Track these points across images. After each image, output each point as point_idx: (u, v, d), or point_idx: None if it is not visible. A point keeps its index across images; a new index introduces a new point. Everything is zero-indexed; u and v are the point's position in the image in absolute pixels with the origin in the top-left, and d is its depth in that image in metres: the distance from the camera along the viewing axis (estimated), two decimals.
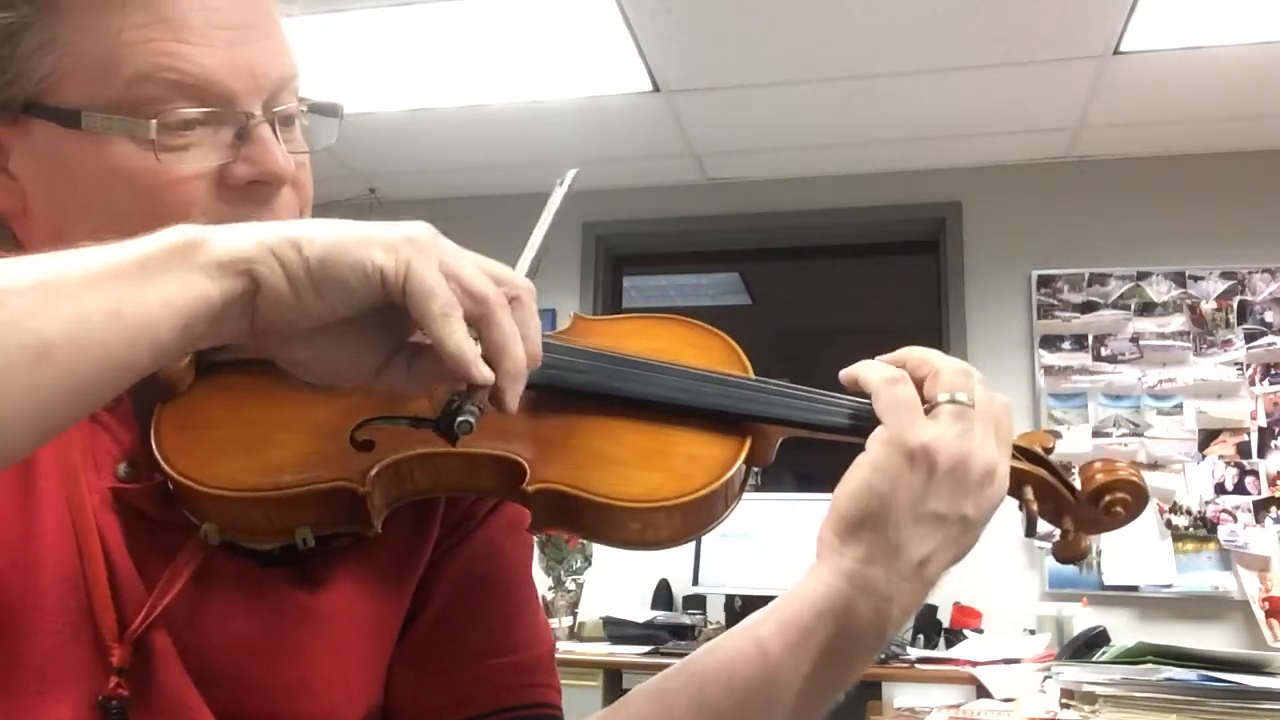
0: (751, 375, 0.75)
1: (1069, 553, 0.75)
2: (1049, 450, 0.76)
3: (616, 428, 0.70)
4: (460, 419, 0.58)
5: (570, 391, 0.71)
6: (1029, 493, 0.73)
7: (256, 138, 0.69)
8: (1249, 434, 4.07)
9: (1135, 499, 0.73)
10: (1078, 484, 0.75)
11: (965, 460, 0.66)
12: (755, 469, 0.73)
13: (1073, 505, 0.74)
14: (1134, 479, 0.73)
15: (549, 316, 4.29)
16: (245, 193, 0.69)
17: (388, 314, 0.58)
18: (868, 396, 0.70)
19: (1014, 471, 0.72)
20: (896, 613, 0.67)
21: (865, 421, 0.70)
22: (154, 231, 0.68)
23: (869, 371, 0.70)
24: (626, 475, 0.68)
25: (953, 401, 0.67)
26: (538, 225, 0.72)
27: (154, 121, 0.66)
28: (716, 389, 0.72)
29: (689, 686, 0.69)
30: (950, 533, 0.67)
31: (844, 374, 0.72)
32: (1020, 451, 0.74)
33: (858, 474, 0.67)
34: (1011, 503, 0.74)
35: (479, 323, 0.58)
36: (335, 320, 0.57)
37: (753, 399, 0.72)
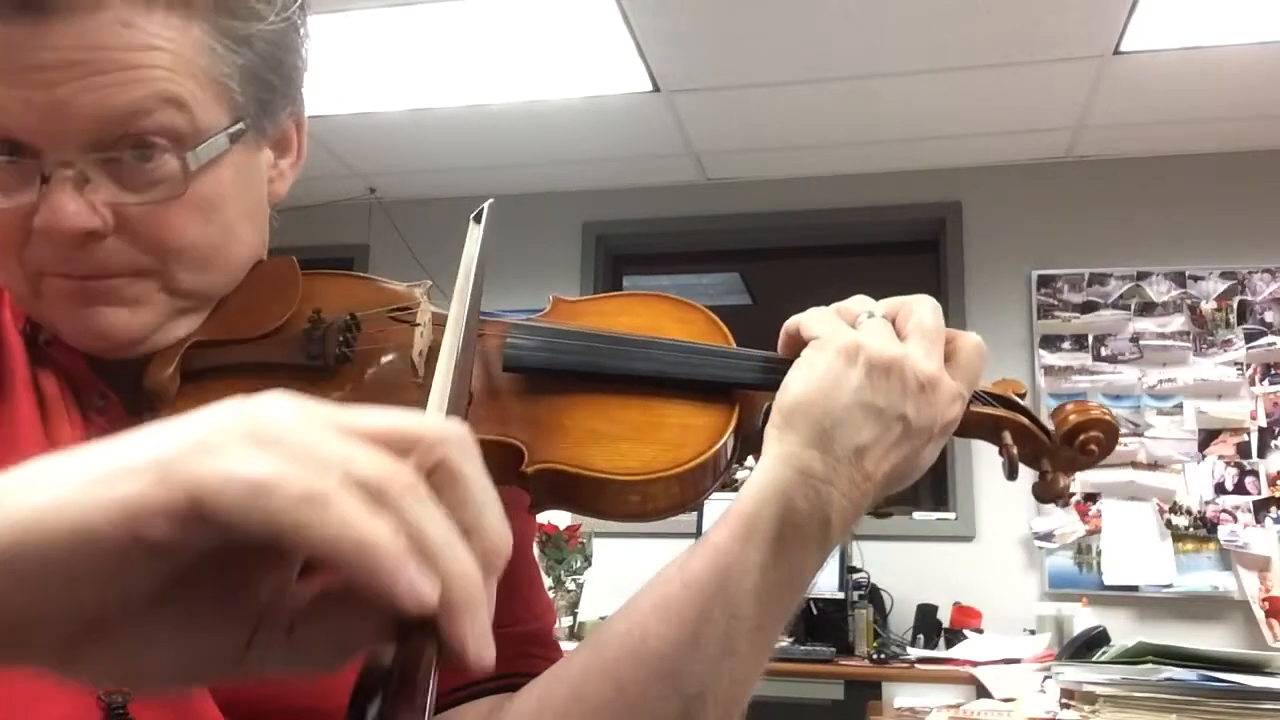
0: (734, 345, 0.76)
1: (1049, 492, 0.78)
2: (1022, 396, 0.79)
3: (609, 404, 0.72)
4: None
5: (562, 372, 0.72)
6: (1007, 437, 0.76)
7: (52, 187, 0.65)
8: (1249, 434, 4.07)
9: (1107, 436, 0.76)
10: (1052, 426, 0.78)
11: (899, 363, 0.68)
12: (746, 438, 0.75)
13: (1049, 447, 0.77)
14: (1106, 417, 0.76)
15: None
16: (52, 240, 0.66)
17: (227, 563, 0.37)
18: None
19: (991, 417, 0.76)
20: (837, 498, 0.67)
21: None
22: None
23: (796, 316, 0.74)
24: (623, 450, 0.69)
25: (870, 316, 0.72)
26: (461, 276, 0.65)
27: None
28: (704, 359, 0.74)
29: (652, 591, 0.69)
30: (890, 430, 0.68)
31: (780, 338, 0.74)
32: (995, 398, 0.77)
33: (793, 374, 0.69)
34: (993, 450, 0.77)
35: None
36: (107, 613, 0.36)
37: (738, 367, 0.74)
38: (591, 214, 4.78)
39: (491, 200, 0.72)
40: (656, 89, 3.90)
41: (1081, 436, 0.76)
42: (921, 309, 0.72)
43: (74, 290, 0.68)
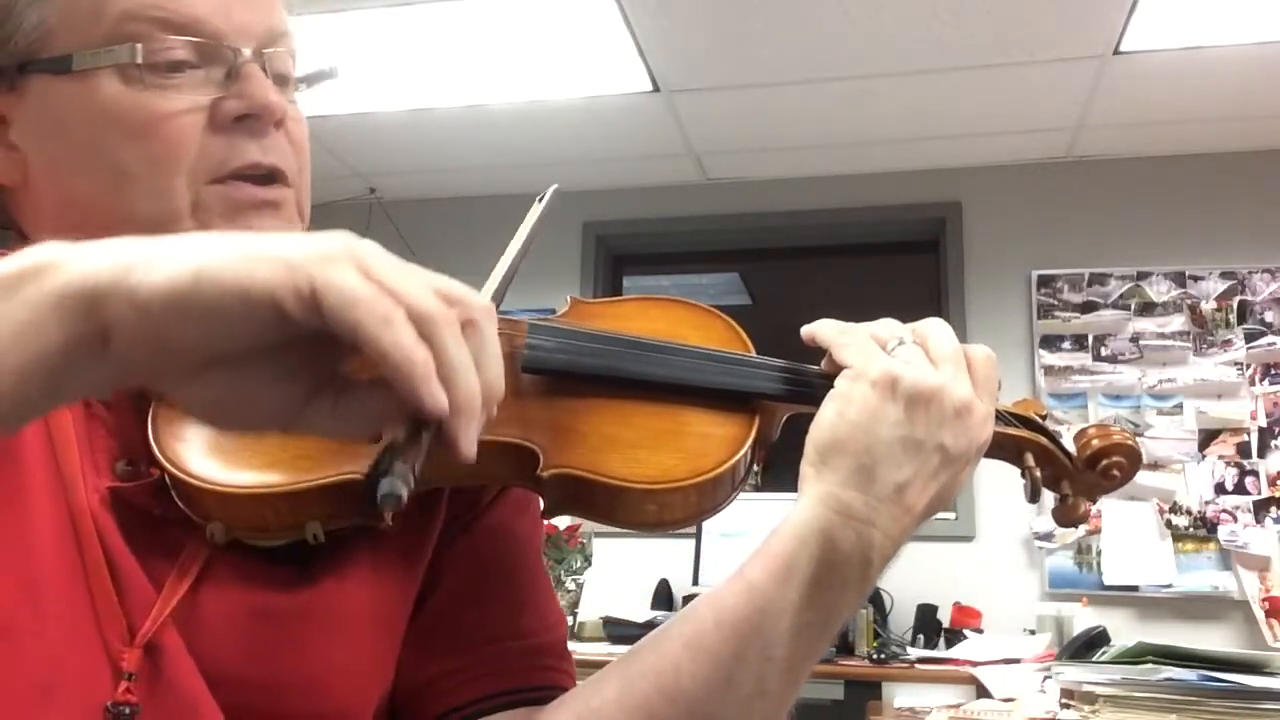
0: (754, 353, 0.75)
1: (1069, 516, 0.78)
2: (1043, 416, 0.78)
3: (628, 410, 0.70)
4: (384, 492, 0.46)
5: (581, 375, 0.71)
6: (1030, 459, 0.75)
7: (245, 74, 0.71)
8: (1249, 434, 4.07)
9: (1130, 462, 0.76)
10: (1073, 450, 0.77)
11: (938, 392, 0.67)
12: (761, 448, 0.74)
13: (1071, 471, 0.76)
14: (1129, 443, 0.76)
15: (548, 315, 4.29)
16: (237, 128, 0.71)
17: (311, 344, 0.48)
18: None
19: (1015, 439, 0.75)
20: (879, 538, 0.66)
21: None
22: (153, 177, 0.69)
23: (825, 328, 0.73)
24: (640, 457, 0.68)
25: (901, 343, 0.70)
26: (512, 243, 0.71)
27: (139, 46, 0.69)
28: (725, 368, 0.72)
29: (684, 628, 0.69)
30: (929, 461, 0.67)
31: (804, 330, 0.73)
32: (1018, 419, 0.76)
33: (827, 407, 0.68)
34: (1015, 473, 0.76)
35: None
36: (227, 355, 0.47)
37: (760, 376, 0.73)
38: (591, 214, 4.78)
39: (556, 186, 0.76)
40: (656, 89, 3.90)
41: (1104, 462, 0.75)
42: (941, 332, 0.71)
43: (240, 200, 0.71)
